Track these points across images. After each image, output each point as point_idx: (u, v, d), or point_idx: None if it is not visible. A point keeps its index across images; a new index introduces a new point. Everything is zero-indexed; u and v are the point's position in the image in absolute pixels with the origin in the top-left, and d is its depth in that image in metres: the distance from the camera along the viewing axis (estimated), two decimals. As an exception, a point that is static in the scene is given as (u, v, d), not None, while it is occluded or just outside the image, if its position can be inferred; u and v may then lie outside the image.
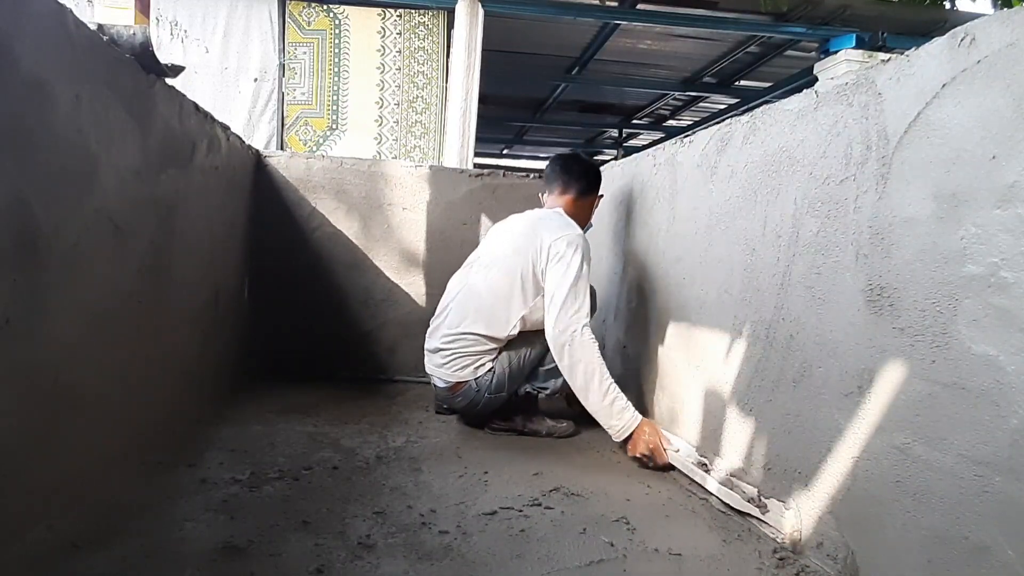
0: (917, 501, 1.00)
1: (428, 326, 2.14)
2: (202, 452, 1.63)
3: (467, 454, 1.82)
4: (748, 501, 1.41)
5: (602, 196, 2.18)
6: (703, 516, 1.46)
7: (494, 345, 1.98)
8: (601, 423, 1.83)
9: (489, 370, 1.97)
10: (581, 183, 2.10)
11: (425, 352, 2.12)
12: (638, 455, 1.77)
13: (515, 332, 1.96)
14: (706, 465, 1.61)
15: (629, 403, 1.81)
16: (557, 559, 1.21)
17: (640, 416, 1.79)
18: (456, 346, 1.99)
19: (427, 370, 2.11)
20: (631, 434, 1.78)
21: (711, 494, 1.54)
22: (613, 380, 1.81)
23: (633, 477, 1.71)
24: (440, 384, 2.05)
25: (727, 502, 1.47)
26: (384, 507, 1.39)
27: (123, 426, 1.43)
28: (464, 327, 1.98)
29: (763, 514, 1.37)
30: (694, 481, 1.62)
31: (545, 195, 2.16)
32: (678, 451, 1.73)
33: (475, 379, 1.98)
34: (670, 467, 1.73)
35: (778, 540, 1.31)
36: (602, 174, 2.17)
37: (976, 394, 0.91)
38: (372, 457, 1.72)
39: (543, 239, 1.92)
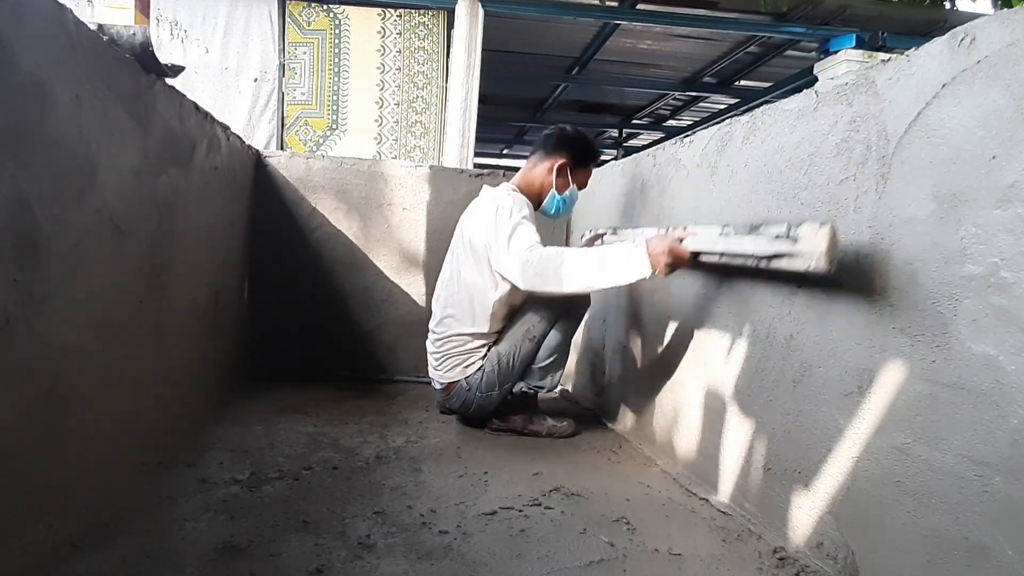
0: (917, 501, 1.00)
1: (427, 326, 2.17)
2: (202, 452, 1.63)
3: (467, 454, 1.82)
4: (776, 238, 1.25)
5: (565, 163, 1.99)
6: (703, 516, 1.46)
7: (482, 342, 1.99)
8: (627, 281, 1.65)
9: (478, 369, 1.98)
10: (540, 147, 2.04)
11: (427, 355, 2.16)
12: (667, 273, 1.59)
13: (500, 325, 1.98)
14: (728, 232, 1.42)
15: (621, 246, 1.66)
16: (557, 559, 1.21)
17: (642, 244, 1.60)
18: (445, 348, 2.02)
19: (430, 374, 2.14)
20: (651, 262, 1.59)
21: (748, 255, 1.34)
22: (590, 251, 1.71)
23: (633, 477, 1.71)
24: (437, 386, 2.10)
25: (757, 253, 1.30)
26: (384, 507, 1.39)
27: (123, 426, 1.43)
28: (451, 329, 2.01)
29: (794, 246, 1.20)
30: (726, 252, 1.44)
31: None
32: (695, 235, 1.54)
33: (465, 379, 1.99)
34: (695, 257, 1.54)
35: (810, 267, 1.15)
36: (576, 140, 2.03)
37: (976, 394, 0.91)
38: (372, 457, 1.72)
39: (487, 217, 1.91)
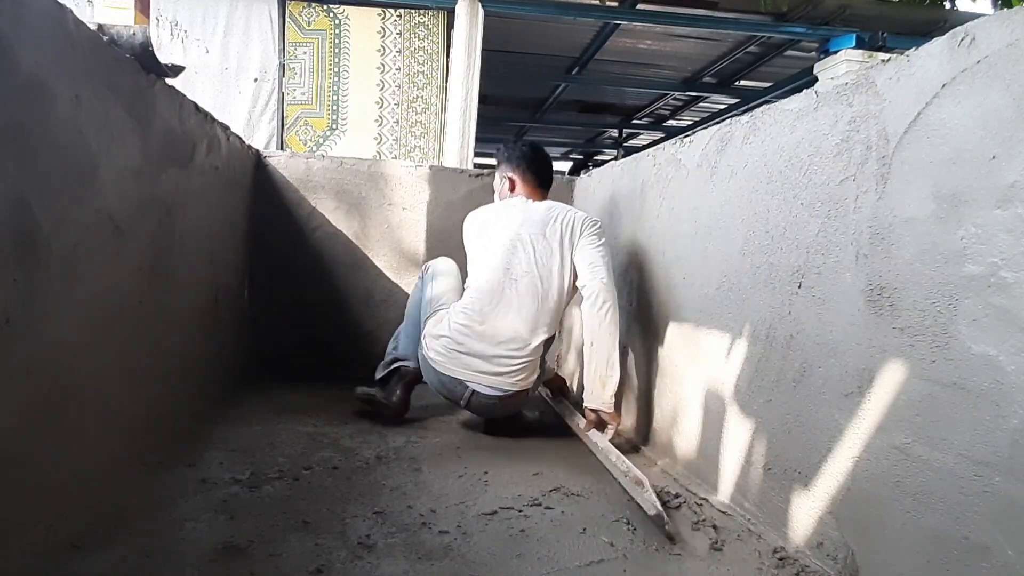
0: (917, 501, 1.00)
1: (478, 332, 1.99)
2: (202, 452, 1.63)
3: (467, 454, 1.82)
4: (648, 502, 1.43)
5: None
6: (703, 516, 1.46)
7: (543, 351, 2.00)
8: (595, 383, 1.88)
9: (539, 375, 2.01)
10: (549, 185, 2.22)
11: (461, 354, 1.93)
12: (600, 430, 1.90)
13: (555, 332, 2.01)
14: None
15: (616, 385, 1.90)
16: (557, 559, 1.21)
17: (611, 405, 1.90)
18: (528, 355, 1.92)
19: (454, 372, 1.93)
20: (602, 412, 1.89)
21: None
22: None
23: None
24: (489, 392, 1.92)
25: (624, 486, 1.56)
26: (384, 507, 1.39)
27: (123, 426, 1.43)
28: (539, 335, 1.94)
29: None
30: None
31: (517, 180, 2.15)
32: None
33: (532, 386, 1.99)
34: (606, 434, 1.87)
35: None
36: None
37: (976, 394, 0.91)
38: (372, 457, 1.72)
39: (574, 220, 1.98)
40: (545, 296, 1.95)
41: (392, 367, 2.12)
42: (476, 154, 4.44)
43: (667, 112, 7.82)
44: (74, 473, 1.22)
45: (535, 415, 2.21)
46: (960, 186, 0.96)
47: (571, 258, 1.95)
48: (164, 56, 1.89)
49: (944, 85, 1.00)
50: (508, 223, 2.05)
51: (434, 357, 1.97)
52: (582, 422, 1.97)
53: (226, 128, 2.09)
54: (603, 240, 1.98)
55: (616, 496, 1.55)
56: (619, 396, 2.16)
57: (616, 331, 1.87)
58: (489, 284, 1.97)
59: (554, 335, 2.01)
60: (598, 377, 1.86)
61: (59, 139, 1.12)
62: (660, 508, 1.37)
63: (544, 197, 2.17)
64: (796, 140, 1.35)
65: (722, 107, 7.27)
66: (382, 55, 4.33)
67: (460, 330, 1.95)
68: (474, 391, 1.93)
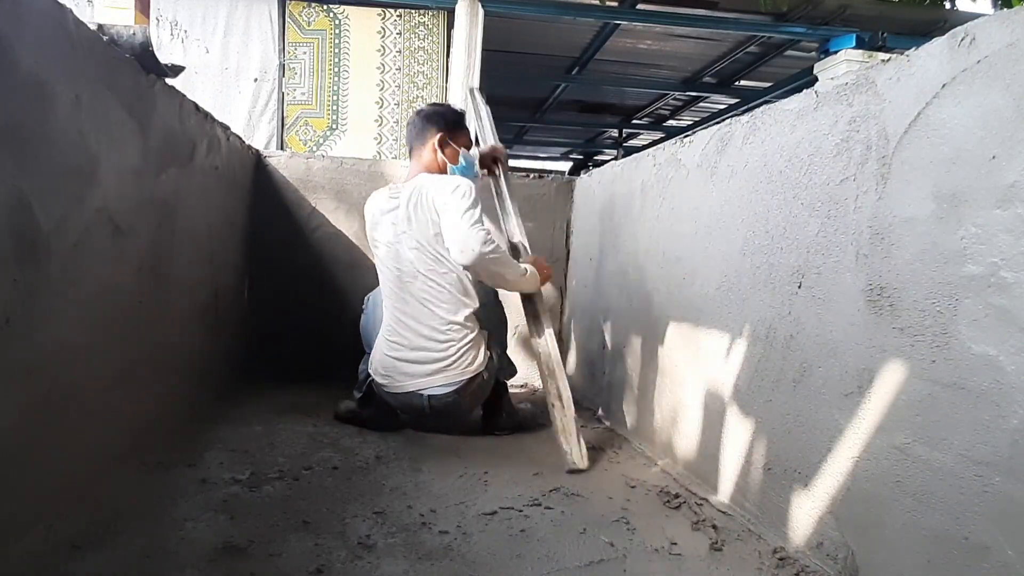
0: (917, 501, 1.00)
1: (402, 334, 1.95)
2: (202, 452, 1.63)
3: (467, 454, 1.82)
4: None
5: (442, 136, 2.02)
6: (703, 516, 1.46)
7: (478, 327, 1.93)
8: (531, 288, 1.97)
9: (489, 356, 1.94)
10: (413, 140, 2.05)
11: (401, 369, 1.91)
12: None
13: (477, 301, 1.93)
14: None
15: (523, 264, 1.97)
16: (557, 559, 1.21)
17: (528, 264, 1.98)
18: (460, 336, 1.87)
19: (404, 386, 1.90)
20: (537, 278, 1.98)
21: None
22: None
23: (633, 477, 1.71)
24: (444, 390, 1.87)
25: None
26: (384, 507, 1.39)
27: (123, 426, 1.43)
28: (461, 312, 1.88)
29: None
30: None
31: (410, 163, 2.10)
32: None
33: (485, 368, 1.91)
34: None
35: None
36: (437, 113, 2.08)
37: (976, 394, 0.91)
38: (372, 457, 1.72)
39: (433, 200, 1.86)
40: (442, 285, 1.88)
41: (367, 383, 2.06)
42: (475, 154, 4.44)
43: (667, 112, 7.81)
44: (74, 473, 1.22)
45: (528, 407, 2.20)
46: (960, 186, 0.96)
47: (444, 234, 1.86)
48: (164, 56, 1.89)
49: (944, 85, 1.00)
50: (386, 225, 1.98)
51: (382, 382, 1.96)
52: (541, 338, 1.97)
53: (226, 128, 2.09)
54: (461, 194, 1.83)
55: (616, 496, 1.55)
56: (617, 393, 2.16)
57: (502, 260, 1.84)
58: (391, 296, 1.97)
59: (494, 301, 2.04)
60: (525, 284, 1.94)
61: (59, 139, 1.12)
62: (574, 459, 1.71)
63: (421, 160, 2.03)
64: (796, 140, 1.35)
65: (722, 107, 7.26)
66: (382, 55, 4.33)
67: (391, 347, 1.94)
68: (430, 396, 1.88)
